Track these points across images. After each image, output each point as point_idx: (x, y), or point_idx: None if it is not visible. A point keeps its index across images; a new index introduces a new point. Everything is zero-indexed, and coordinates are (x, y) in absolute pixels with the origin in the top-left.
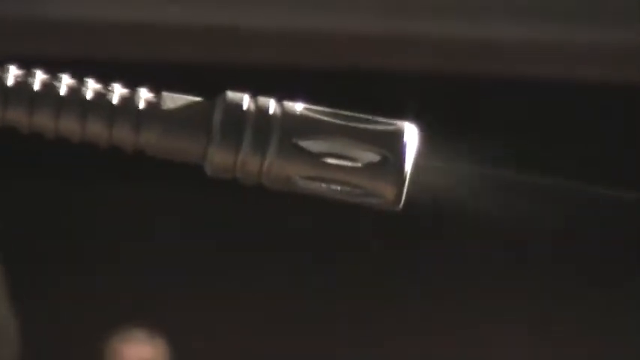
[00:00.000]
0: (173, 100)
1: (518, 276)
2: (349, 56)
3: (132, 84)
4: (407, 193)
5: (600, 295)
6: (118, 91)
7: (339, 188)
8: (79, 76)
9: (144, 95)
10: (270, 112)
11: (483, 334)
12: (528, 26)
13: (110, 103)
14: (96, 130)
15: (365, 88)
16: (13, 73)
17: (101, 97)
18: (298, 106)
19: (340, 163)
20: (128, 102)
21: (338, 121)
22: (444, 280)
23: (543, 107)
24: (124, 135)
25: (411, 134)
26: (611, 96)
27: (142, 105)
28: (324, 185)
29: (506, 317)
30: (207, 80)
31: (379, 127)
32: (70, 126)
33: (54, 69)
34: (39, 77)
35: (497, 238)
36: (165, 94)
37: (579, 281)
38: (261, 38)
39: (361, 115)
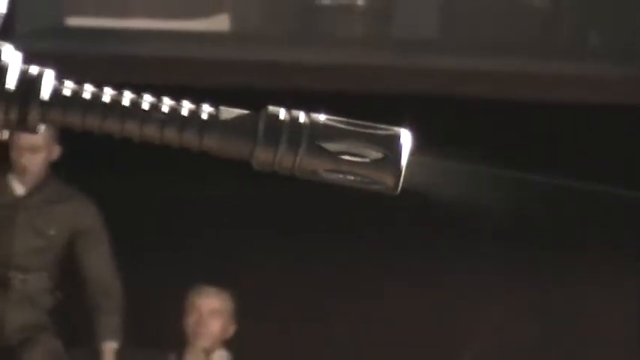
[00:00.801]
0: (228, 112)
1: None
2: (353, 83)
3: (200, 102)
4: (403, 181)
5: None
6: (186, 106)
7: (352, 178)
8: (158, 95)
9: (206, 109)
10: (301, 121)
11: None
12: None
13: (181, 115)
14: (170, 135)
15: (370, 106)
16: (127, 96)
17: (174, 111)
18: (321, 117)
19: (353, 159)
20: (194, 114)
21: (351, 128)
22: (432, 252)
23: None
24: (191, 139)
25: (405, 137)
26: (593, 116)
27: (204, 116)
28: (341, 176)
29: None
30: (255, 100)
31: (381, 132)
32: (151, 133)
33: (141, 91)
34: (127, 96)
35: (461, 216)
36: (222, 107)
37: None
38: (291, 72)
39: (368, 123)
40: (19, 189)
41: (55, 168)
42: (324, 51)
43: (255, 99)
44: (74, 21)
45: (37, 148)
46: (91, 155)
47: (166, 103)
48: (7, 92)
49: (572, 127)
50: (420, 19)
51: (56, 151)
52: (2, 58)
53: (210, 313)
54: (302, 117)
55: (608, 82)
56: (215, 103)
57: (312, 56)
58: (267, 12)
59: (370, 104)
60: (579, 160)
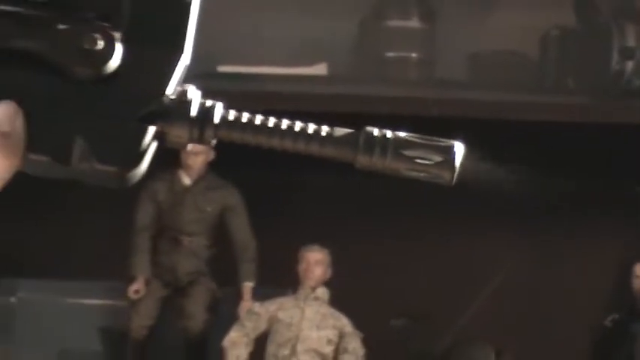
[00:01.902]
0: (339, 130)
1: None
2: (411, 110)
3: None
4: (456, 177)
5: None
6: (311, 126)
7: (422, 174)
8: (291, 119)
9: (325, 128)
10: (388, 136)
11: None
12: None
13: (308, 132)
14: (300, 146)
15: (423, 125)
16: (271, 119)
17: (303, 129)
18: (402, 133)
19: (423, 162)
20: (317, 131)
21: (421, 140)
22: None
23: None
24: (314, 149)
25: (458, 147)
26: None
27: (323, 133)
28: (414, 173)
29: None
30: (352, 123)
31: (442, 143)
32: (287, 144)
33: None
34: (271, 119)
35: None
36: (335, 127)
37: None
38: (371, 102)
39: (432, 137)
40: (186, 180)
41: (210, 166)
42: (392, 88)
43: (352, 122)
44: (223, 68)
45: (199, 153)
46: (236, 157)
47: (297, 124)
48: (192, 118)
49: (559, 140)
50: (454, 66)
51: (212, 155)
52: (188, 94)
53: (315, 262)
54: (389, 133)
55: (582, 107)
56: (328, 124)
57: (384, 91)
58: (352, 60)
59: (423, 124)
60: (568, 161)
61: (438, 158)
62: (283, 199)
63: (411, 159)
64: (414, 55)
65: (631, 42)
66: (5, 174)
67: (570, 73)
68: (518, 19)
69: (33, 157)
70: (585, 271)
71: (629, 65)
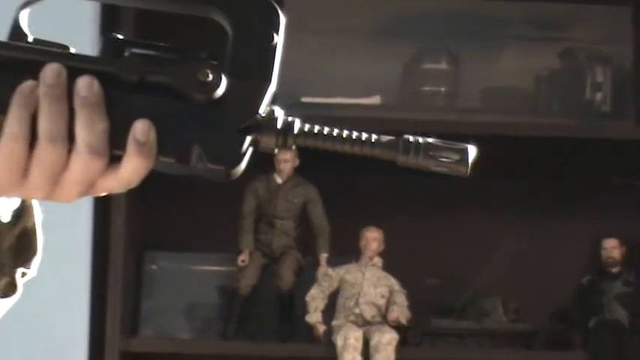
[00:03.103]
0: (385, 137)
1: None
2: (439, 129)
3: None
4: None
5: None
6: (367, 135)
7: (446, 170)
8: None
9: (377, 135)
10: (420, 141)
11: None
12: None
13: (363, 139)
14: (360, 150)
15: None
16: (342, 130)
17: (359, 136)
18: (430, 139)
19: (446, 160)
20: (376, 140)
21: (444, 144)
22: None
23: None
24: (370, 152)
25: (471, 149)
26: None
27: (373, 140)
28: (440, 168)
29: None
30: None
31: (459, 146)
32: (350, 149)
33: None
34: (341, 130)
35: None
36: (382, 135)
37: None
38: (411, 125)
39: (452, 142)
40: (278, 180)
41: (295, 170)
42: (426, 113)
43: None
44: (305, 99)
45: (288, 160)
46: (313, 163)
47: (354, 133)
48: (277, 129)
49: (548, 149)
50: (471, 97)
51: (297, 162)
52: (275, 113)
53: (372, 239)
54: (420, 139)
55: (565, 125)
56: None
57: (420, 115)
58: (397, 94)
59: (448, 139)
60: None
61: (456, 157)
62: (348, 193)
63: (437, 158)
64: (442, 89)
65: (599, 79)
66: (143, 172)
67: (556, 102)
68: (518, 63)
69: (162, 159)
70: (567, 244)
71: (598, 96)
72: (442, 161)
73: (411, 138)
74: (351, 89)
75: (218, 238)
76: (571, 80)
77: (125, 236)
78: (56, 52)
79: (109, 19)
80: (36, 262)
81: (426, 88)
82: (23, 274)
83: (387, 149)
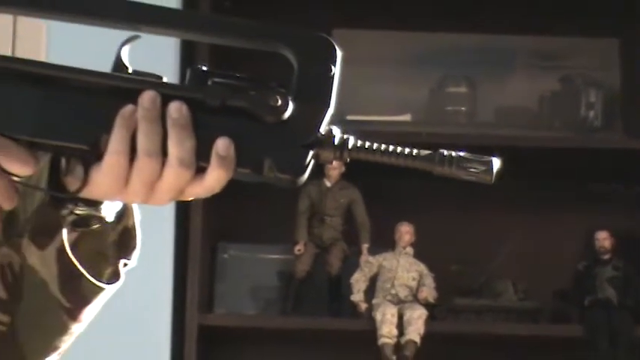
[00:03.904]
0: (425, 152)
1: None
2: (461, 141)
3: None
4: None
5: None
6: (403, 149)
7: (474, 178)
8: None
9: (416, 150)
10: (453, 155)
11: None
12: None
13: (405, 152)
14: (392, 160)
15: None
16: (383, 143)
17: (403, 150)
18: (461, 153)
19: (474, 170)
20: (414, 153)
21: (472, 157)
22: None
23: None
24: (412, 163)
25: (495, 161)
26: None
27: (414, 153)
28: (468, 177)
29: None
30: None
31: (485, 158)
32: (395, 161)
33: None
34: (375, 144)
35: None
36: (422, 150)
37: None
38: (435, 138)
39: (480, 155)
40: (328, 184)
41: (342, 175)
42: (449, 128)
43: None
44: (350, 117)
45: (336, 167)
46: (356, 167)
47: (398, 147)
48: (335, 145)
49: (549, 158)
50: (486, 115)
51: (343, 168)
52: (333, 131)
53: (405, 232)
54: (453, 153)
55: (563, 138)
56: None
57: (445, 130)
58: (425, 112)
59: (468, 151)
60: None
61: (483, 168)
62: (384, 194)
63: (467, 169)
64: (462, 108)
65: (592, 99)
66: (224, 181)
67: (556, 118)
68: (525, 87)
69: (240, 170)
70: (566, 236)
71: (591, 113)
72: (471, 171)
73: (445, 152)
74: (386, 109)
75: (278, 231)
76: (569, 100)
77: (202, 230)
78: (151, 81)
79: (188, 52)
80: (135, 254)
81: (449, 108)
82: (125, 265)
83: (426, 161)
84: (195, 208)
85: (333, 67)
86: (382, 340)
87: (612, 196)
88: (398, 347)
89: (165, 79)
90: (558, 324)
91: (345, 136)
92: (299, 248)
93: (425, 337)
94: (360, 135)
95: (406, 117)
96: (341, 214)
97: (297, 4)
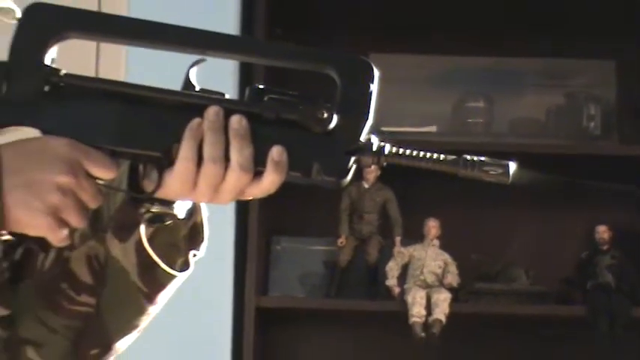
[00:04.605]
0: (450, 157)
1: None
2: (479, 148)
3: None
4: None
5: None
6: (432, 154)
7: (493, 179)
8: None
9: (444, 156)
10: (475, 159)
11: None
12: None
13: (434, 157)
14: (422, 164)
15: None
16: (408, 150)
17: (432, 156)
18: (483, 157)
19: (494, 172)
20: (444, 158)
21: (492, 161)
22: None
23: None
24: (434, 166)
25: (512, 164)
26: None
27: (441, 158)
28: (489, 178)
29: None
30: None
31: (503, 162)
32: (427, 165)
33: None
34: (408, 150)
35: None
36: (448, 155)
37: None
38: (463, 147)
39: (497, 159)
40: (366, 185)
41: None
42: (470, 138)
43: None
44: (385, 128)
45: (373, 171)
46: (389, 170)
47: (427, 153)
48: (373, 151)
49: (554, 163)
50: (501, 126)
51: (379, 172)
52: (371, 139)
53: (432, 227)
54: (475, 158)
55: (567, 145)
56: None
57: (466, 139)
58: (449, 124)
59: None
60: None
61: (501, 171)
62: (414, 194)
63: (487, 172)
64: (480, 120)
65: (592, 112)
66: (278, 183)
67: (561, 128)
68: (535, 101)
69: (291, 173)
70: (571, 229)
71: (591, 124)
72: (491, 174)
73: (468, 157)
74: (416, 121)
75: (323, 226)
76: (572, 113)
77: (258, 226)
78: (215, 97)
79: (246, 72)
80: (203, 246)
81: (469, 120)
82: (194, 255)
83: (451, 165)
84: (253, 206)
85: (371, 85)
86: (412, 319)
87: (610, 197)
88: (426, 325)
89: (227, 96)
90: (564, 305)
91: (382, 144)
92: (341, 241)
93: (449, 317)
94: (393, 143)
95: (432, 128)
96: (377, 211)
97: (339, 32)
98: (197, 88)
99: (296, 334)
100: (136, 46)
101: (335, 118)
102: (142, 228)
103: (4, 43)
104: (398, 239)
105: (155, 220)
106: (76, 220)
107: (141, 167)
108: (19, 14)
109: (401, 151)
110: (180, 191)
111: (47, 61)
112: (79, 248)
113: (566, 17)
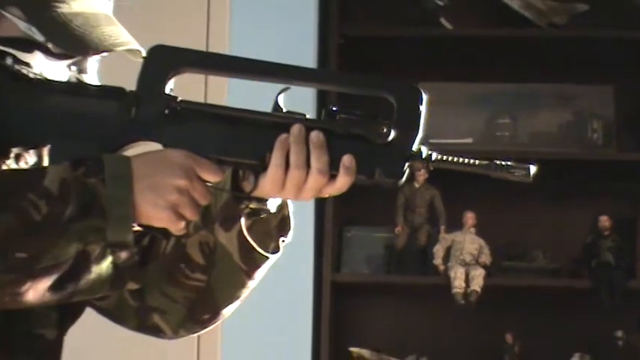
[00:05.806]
0: (485, 162)
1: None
2: (502, 155)
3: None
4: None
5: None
6: (466, 158)
7: (518, 180)
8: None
9: (476, 161)
10: (503, 163)
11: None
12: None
13: (464, 160)
14: (460, 167)
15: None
16: (450, 156)
17: (463, 159)
18: (509, 162)
19: (519, 173)
20: (471, 160)
21: (516, 164)
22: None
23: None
24: (472, 169)
25: (532, 167)
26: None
27: (474, 162)
28: (514, 179)
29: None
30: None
31: (525, 164)
32: (466, 169)
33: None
34: (449, 156)
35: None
36: (482, 160)
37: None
38: (492, 154)
39: (520, 163)
40: (416, 185)
41: (425, 179)
42: (499, 147)
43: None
44: (432, 140)
45: (421, 173)
46: (435, 173)
47: (465, 158)
48: (422, 157)
49: (563, 167)
50: (523, 138)
51: (426, 174)
52: (421, 148)
53: (469, 218)
54: (502, 162)
55: (575, 153)
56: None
57: (494, 148)
58: (483, 139)
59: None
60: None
61: (524, 172)
62: (454, 192)
63: (513, 173)
64: (507, 134)
65: (595, 127)
66: (348, 184)
67: (571, 139)
68: (549, 118)
69: (359, 176)
70: (579, 218)
71: (595, 136)
72: (516, 175)
73: (498, 162)
74: (455, 134)
75: (384, 218)
76: (579, 127)
77: (332, 218)
78: (298, 117)
79: (322, 96)
80: (290, 233)
81: (498, 133)
82: (283, 241)
83: (485, 168)
84: (329, 202)
85: (421, 106)
86: (454, 290)
87: (610, 193)
88: (465, 295)
89: (307, 116)
90: (573, 279)
91: (430, 152)
92: (398, 229)
93: (483, 288)
94: (439, 152)
95: (469, 140)
96: (426, 206)
97: (397, 64)
98: (284, 110)
99: (362, 303)
100: (236, 78)
101: (393, 132)
102: (243, 220)
103: (134, 76)
104: (442, 228)
105: (252, 214)
106: (191, 214)
107: (241, 172)
108: (144, 54)
109: (444, 157)
110: (272, 191)
111: (167, 90)
112: (193, 236)
113: (573, 52)
